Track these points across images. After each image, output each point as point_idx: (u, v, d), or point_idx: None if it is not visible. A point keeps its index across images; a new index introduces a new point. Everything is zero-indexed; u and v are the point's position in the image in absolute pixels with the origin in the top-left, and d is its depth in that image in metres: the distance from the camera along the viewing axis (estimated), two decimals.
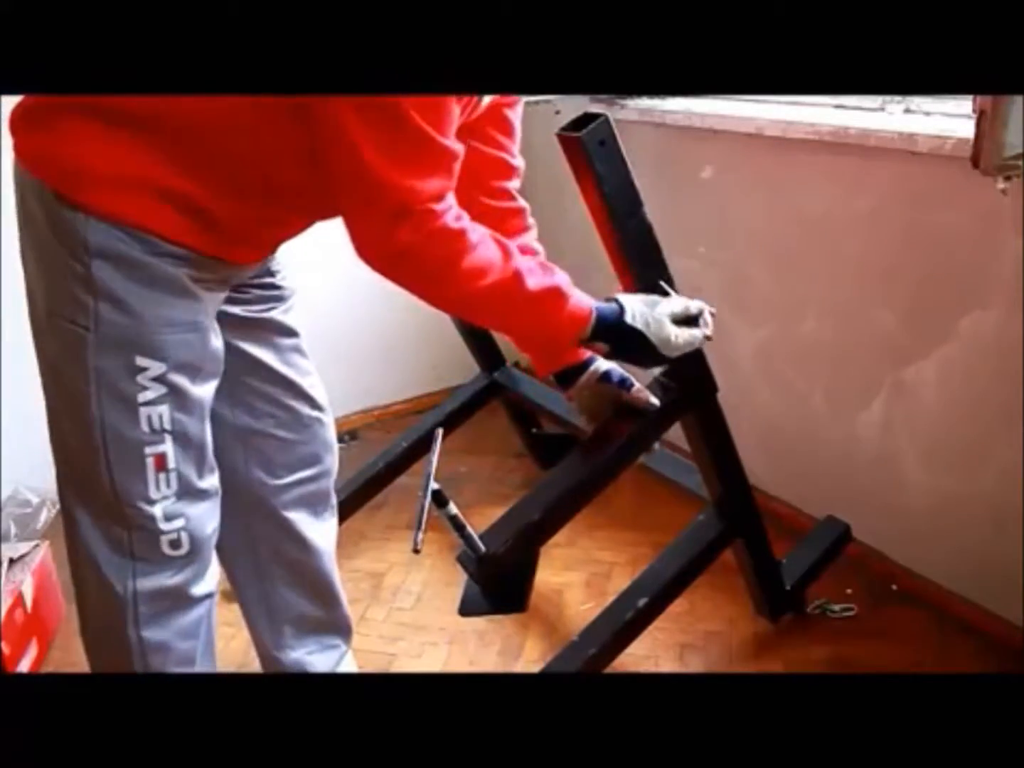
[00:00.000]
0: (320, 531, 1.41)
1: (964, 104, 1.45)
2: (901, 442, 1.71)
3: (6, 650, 1.57)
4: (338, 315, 2.45)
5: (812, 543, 1.69)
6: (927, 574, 1.73)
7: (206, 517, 1.15)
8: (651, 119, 2.05)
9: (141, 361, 1.04)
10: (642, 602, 1.44)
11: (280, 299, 1.30)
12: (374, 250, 1.03)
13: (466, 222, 1.04)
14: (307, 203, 1.11)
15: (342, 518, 1.57)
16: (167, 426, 1.08)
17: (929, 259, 1.57)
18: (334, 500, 1.45)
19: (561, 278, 1.11)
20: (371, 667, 1.64)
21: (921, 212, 1.56)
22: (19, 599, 1.65)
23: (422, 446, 1.93)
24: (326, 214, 1.14)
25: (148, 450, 1.08)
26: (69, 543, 1.15)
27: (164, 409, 1.07)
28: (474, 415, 2.06)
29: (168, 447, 1.09)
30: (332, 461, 1.41)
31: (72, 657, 1.67)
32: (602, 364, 1.36)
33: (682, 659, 1.64)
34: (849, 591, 1.76)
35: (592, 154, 1.12)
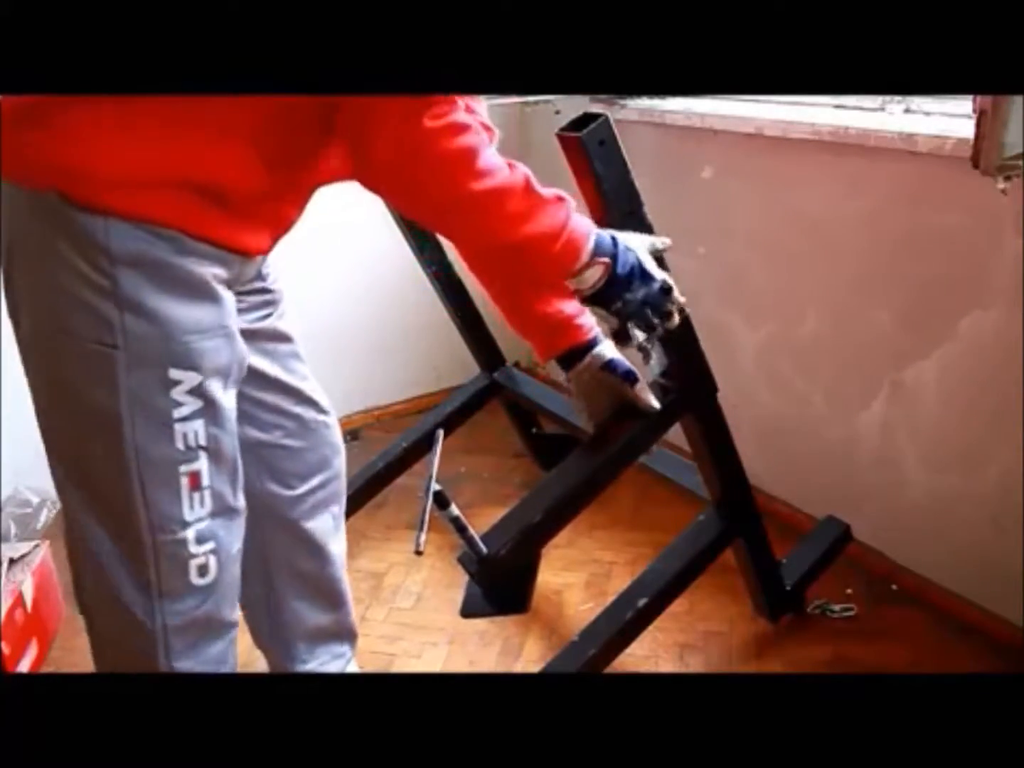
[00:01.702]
0: (336, 537, 1.40)
1: (964, 104, 1.45)
2: (901, 442, 1.71)
3: (6, 650, 1.57)
4: (338, 316, 2.45)
5: (812, 543, 1.70)
6: (927, 574, 1.73)
7: (235, 536, 1.12)
8: (651, 119, 2.05)
9: (175, 374, 0.99)
10: (642, 602, 1.44)
11: (273, 304, 1.28)
12: (393, 143, 0.95)
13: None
14: (324, 150, 1.06)
15: None
16: (202, 442, 1.03)
17: (929, 259, 1.58)
18: (344, 503, 1.44)
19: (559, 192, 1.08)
20: (371, 667, 1.64)
21: (921, 212, 1.56)
22: (19, 599, 1.65)
23: (422, 446, 1.93)
24: (341, 169, 1.08)
25: (183, 468, 1.03)
26: (81, 570, 1.09)
27: (199, 424, 1.02)
28: (474, 415, 2.06)
29: (203, 464, 1.04)
30: (340, 463, 1.40)
31: (72, 657, 1.68)
32: (605, 351, 1.34)
33: (682, 659, 1.64)
34: (849, 591, 1.76)
35: (592, 154, 1.12)
